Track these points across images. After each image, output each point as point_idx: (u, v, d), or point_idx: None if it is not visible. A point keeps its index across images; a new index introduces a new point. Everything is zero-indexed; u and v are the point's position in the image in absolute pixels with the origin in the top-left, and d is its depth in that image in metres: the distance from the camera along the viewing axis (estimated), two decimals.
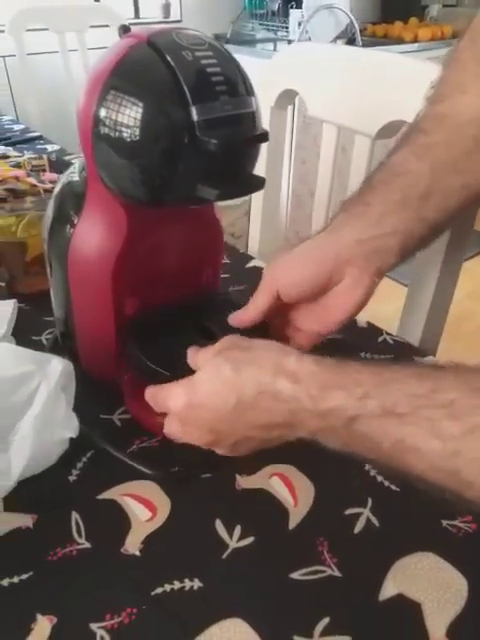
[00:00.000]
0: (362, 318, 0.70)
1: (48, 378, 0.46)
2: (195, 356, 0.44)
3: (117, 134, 0.39)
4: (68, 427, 0.46)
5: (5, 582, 0.40)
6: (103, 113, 0.40)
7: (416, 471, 0.33)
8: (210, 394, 0.40)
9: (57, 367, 0.46)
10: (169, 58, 0.38)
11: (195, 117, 0.38)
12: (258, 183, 0.42)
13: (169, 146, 0.39)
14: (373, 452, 0.34)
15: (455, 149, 0.47)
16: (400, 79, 0.56)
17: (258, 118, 0.42)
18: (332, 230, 0.49)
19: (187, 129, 0.38)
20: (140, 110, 0.38)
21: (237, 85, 0.40)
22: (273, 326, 0.52)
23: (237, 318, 0.49)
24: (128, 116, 0.38)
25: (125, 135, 0.39)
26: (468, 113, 0.47)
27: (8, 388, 0.45)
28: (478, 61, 0.47)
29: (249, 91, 0.41)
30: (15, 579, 0.40)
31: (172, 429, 0.44)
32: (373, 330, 0.69)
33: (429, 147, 0.48)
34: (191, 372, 0.42)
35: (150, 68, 0.38)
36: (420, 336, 0.72)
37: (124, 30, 0.42)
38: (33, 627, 0.38)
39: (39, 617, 0.38)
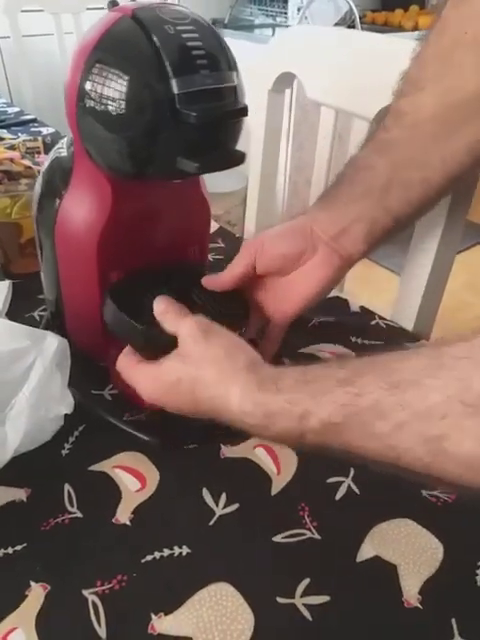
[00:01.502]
0: (356, 304, 0.71)
1: (43, 354, 0.46)
2: (164, 314, 0.44)
3: (101, 107, 0.40)
4: (63, 403, 0.46)
5: (0, 553, 0.41)
6: (88, 86, 0.40)
7: (369, 461, 0.35)
8: (170, 397, 0.43)
9: (52, 343, 0.47)
10: (151, 32, 0.38)
11: (175, 90, 0.38)
12: (238, 158, 0.43)
13: (150, 118, 0.39)
14: (328, 453, 0.37)
15: (413, 145, 0.49)
16: (398, 62, 0.56)
17: (240, 93, 0.42)
18: (306, 215, 0.52)
19: (168, 102, 0.39)
20: (123, 83, 0.39)
21: (218, 59, 0.41)
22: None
23: (210, 281, 0.51)
24: (111, 88, 0.39)
25: (109, 108, 0.40)
26: (426, 111, 0.48)
27: (3, 363, 0.45)
28: (439, 59, 0.48)
29: (231, 66, 0.41)
30: (9, 550, 0.42)
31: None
32: (366, 314, 0.70)
33: (389, 143, 0.50)
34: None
35: (132, 41, 0.39)
36: (414, 321, 0.73)
37: (112, 4, 0.42)
38: (28, 594, 0.39)
39: (33, 585, 0.39)
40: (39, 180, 0.52)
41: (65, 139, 0.50)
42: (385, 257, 2.29)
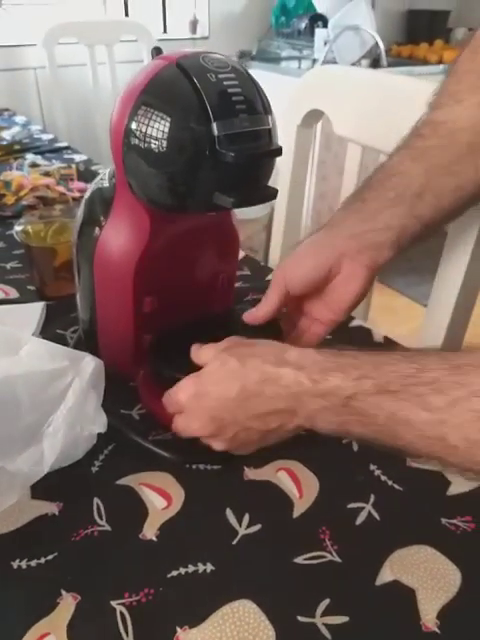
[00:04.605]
0: (379, 334, 0.72)
1: (81, 374, 0.48)
2: (198, 351, 0.48)
3: (145, 145, 0.43)
4: (97, 423, 0.48)
5: (33, 562, 0.43)
6: (134, 126, 0.44)
7: (406, 441, 0.37)
8: (215, 382, 0.45)
9: (89, 364, 0.48)
10: (195, 79, 0.42)
11: (216, 132, 0.42)
12: (271, 194, 0.46)
13: (192, 157, 0.43)
14: (367, 426, 0.38)
15: (449, 153, 0.51)
16: (424, 103, 0.59)
17: (274, 134, 0.45)
18: (330, 226, 0.53)
19: (208, 142, 0.42)
20: (167, 124, 0.42)
21: (255, 104, 0.44)
22: (289, 317, 0.56)
23: (251, 315, 0.53)
24: (156, 129, 0.42)
25: (153, 146, 0.43)
26: (462, 121, 0.50)
27: (43, 382, 0.47)
28: (476, 73, 0.51)
29: (266, 110, 0.45)
30: (42, 560, 0.43)
31: (179, 421, 0.48)
32: (389, 344, 0.70)
33: (425, 150, 0.52)
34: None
35: (177, 87, 0.43)
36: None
37: (156, 52, 0.46)
38: (59, 602, 0.41)
39: (64, 593, 0.41)
40: (81, 208, 0.55)
41: (107, 171, 0.53)
42: (408, 286, 2.30)
